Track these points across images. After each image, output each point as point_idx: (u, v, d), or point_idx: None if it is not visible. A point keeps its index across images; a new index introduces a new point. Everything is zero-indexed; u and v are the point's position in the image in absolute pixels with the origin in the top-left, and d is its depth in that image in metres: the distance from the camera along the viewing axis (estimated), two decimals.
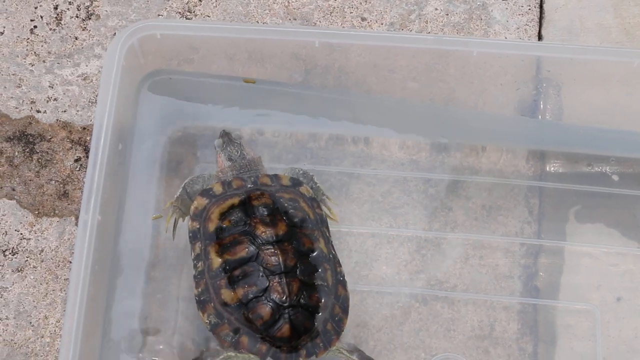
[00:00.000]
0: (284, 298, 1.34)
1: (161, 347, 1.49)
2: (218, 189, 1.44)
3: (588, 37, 1.73)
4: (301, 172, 1.53)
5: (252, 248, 1.36)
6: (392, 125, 1.66)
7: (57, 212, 1.58)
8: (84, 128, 1.63)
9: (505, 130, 1.68)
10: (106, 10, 1.72)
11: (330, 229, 1.46)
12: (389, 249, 1.59)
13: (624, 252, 1.59)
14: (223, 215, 1.40)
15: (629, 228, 1.61)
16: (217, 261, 1.37)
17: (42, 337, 1.50)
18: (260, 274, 1.35)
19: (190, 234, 1.41)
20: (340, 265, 1.43)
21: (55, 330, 1.50)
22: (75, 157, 1.61)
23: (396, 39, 1.56)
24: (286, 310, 1.34)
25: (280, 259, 1.35)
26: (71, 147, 1.62)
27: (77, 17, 1.71)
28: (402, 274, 1.57)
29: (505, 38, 1.72)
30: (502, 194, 1.63)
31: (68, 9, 1.71)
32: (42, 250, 1.55)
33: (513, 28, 1.74)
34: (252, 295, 1.34)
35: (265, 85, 1.64)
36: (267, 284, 1.34)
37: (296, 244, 1.38)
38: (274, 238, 1.37)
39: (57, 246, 1.55)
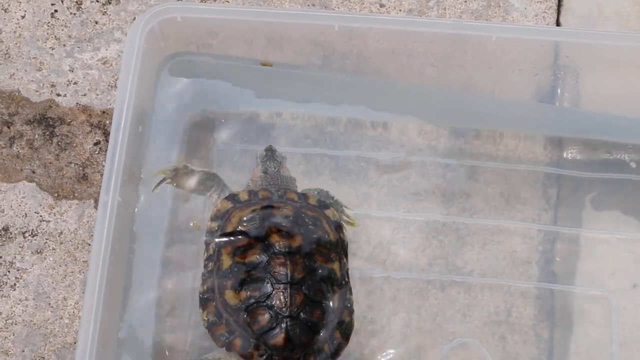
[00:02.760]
0: (284, 308, 1.34)
1: (178, 326, 1.50)
2: (244, 196, 1.45)
3: (606, 25, 1.72)
4: (317, 191, 1.52)
5: (263, 255, 1.37)
6: (411, 110, 1.66)
7: (76, 194, 1.58)
8: (104, 112, 1.64)
9: (523, 116, 1.67)
10: None
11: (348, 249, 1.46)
12: (406, 234, 1.59)
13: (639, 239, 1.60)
14: (243, 220, 1.41)
15: None
16: (227, 262, 1.38)
17: (61, 318, 1.51)
18: (266, 281, 1.35)
19: (207, 234, 1.42)
20: (351, 294, 1.42)
21: (74, 312, 1.51)
22: (95, 141, 1.62)
23: (415, 23, 1.56)
24: (285, 320, 1.33)
25: (289, 270, 1.35)
26: (90, 131, 1.63)
27: (98, 1, 1.71)
28: (419, 258, 1.57)
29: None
30: (520, 180, 1.63)
31: None
32: (61, 233, 1.56)
33: (531, 15, 1.74)
34: (253, 300, 1.35)
35: (284, 69, 1.64)
36: (271, 291, 1.34)
37: (308, 259, 1.38)
38: (287, 249, 1.37)
39: (76, 228, 1.56)
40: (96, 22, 1.70)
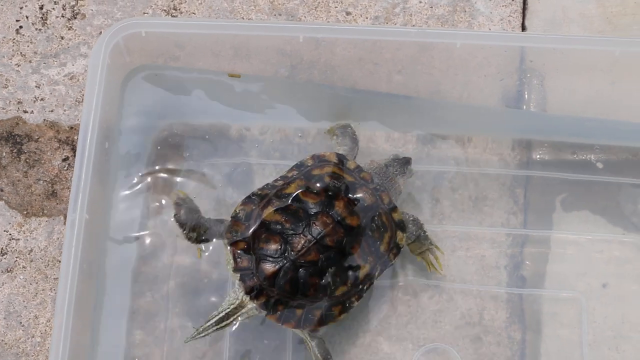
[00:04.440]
0: (294, 252, 1.38)
1: (150, 341, 1.50)
2: (351, 165, 1.50)
3: (571, 27, 1.74)
4: (412, 218, 1.53)
5: (319, 206, 1.41)
6: (378, 118, 1.67)
7: (45, 211, 1.58)
8: (71, 127, 1.63)
9: (491, 121, 1.68)
10: (92, 10, 1.72)
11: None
12: None
13: (609, 239, 1.60)
14: (332, 175, 1.46)
15: (613, 215, 1.62)
16: (291, 189, 1.44)
17: (33, 336, 1.51)
18: (302, 224, 1.39)
19: (298, 163, 1.50)
20: (357, 300, 1.44)
21: (45, 330, 1.51)
22: (63, 157, 1.62)
23: (379, 32, 1.57)
24: (286, 261, 1.37)
25: (325, 231, 1.39)
26: (59, 147, 1.62)
27: (63, 16, 1.71)
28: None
29: (490, 29, 1.73)
30: (488, 184, 1.64)
31: (53, 8, 1.71)
32: (31, 250, 1.56)
33: (497, 19, 1.75)
34: (279, 227, 1.40)
35: (252, 81, 1.65)
36: (298, 233, 1.39)
37: (348, 241, 1.41)
38: (339, 218, 1.41)
39: (46, 246, 1.56)
40: (62, 38, 1.69)
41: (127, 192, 1.56)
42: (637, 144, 1.64)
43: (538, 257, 1.60)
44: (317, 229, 1.40)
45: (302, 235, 1.39)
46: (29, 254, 1.55)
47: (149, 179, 1.59)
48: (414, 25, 1.73)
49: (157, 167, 1.60)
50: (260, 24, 1.64)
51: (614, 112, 1.62)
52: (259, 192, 1.46)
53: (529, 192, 1.64)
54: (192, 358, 1.50)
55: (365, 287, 1.44)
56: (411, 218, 1.53)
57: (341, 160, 1.51)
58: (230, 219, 1.44)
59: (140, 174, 1.58)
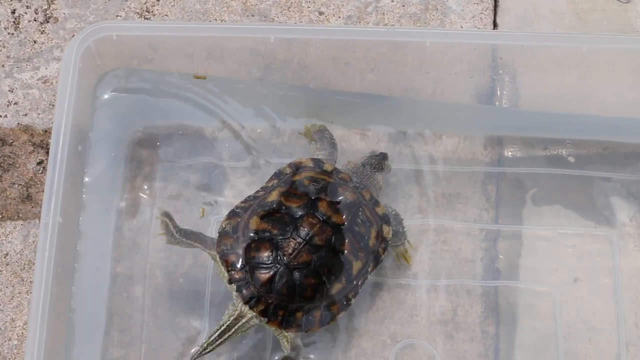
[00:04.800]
0: (286, 256, 1.39)
1: (128, 340, 1.51)
2: (328, 167, 1.53)
3: (542, 24, 1.75)
4: (394, 212, 1.56)
5: (303, 209, 1.43)
6: (352, 117, 1.68)
7: (21, 215, 1.59)
8: (46, 131, 1.64)
9: (463, 118, 1.70)
10: (64, 13, 1.72)
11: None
12: None
13: (580, 232, 1.62)
14: (311, 178, 1.48)
15: (585, 209, 1.64)
16: (273, 197, 1.45)
17: (10, 340, 1.52)
18: (289, 228, 1.41)
19: (277, 172, 1.52)
20: (353, 297, 1.45)
21: (22, 333, 1.52)
22: (38, 160, 1.62)
23: (348, 32, 1.58)
24: (279, 265, 1.39)
25: (313, 232, 1.41)
26: (33, 151, 1.63)
27: (35, 20, 1.71)
28: None
29: (461, 27, 1.75)
30: (461, 181, 1.65)
31: (26, 12, 1.72)
32: (6, 254, 1.56)
33: (469, 17, 1.76)
34: (268, 234, 1.41)
35: (225, 82, 1.66)
36: (287, 237, 1.40)
37: (337, 240, 1.43)
38: (325, 218, 1.43)
39: (21, 249, 1.57)
40: (35, 42, 1.70)
41: (102, 194, 1.56)
42: (607, 137, 1.66)
43: (511, 252, 1.61)
44: (304, 230, 1.41)
45: (291, 239, 1.40)
46: (4, 258, 1.56)
47: (123, 181, 1.59)
48: (386, 24, 1.75)
49: (131, 169, 1.61)
50: (231, 26, 1.65)
51: (584, 106, 1.64)
52: (243, 205, 1.47)
53: (501, 188, 1.66)
54: (169, 359, 1.51)
55: (360, 283, 1.46)
56: (393, 212, 1.55)
57: (318, 164, 1.53)
58: (217, 234, 1.44)
59: (114, 176, 1.59)
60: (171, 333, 1.52)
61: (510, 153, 1.68)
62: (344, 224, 1.45)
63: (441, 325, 1.56)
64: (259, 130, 1.66)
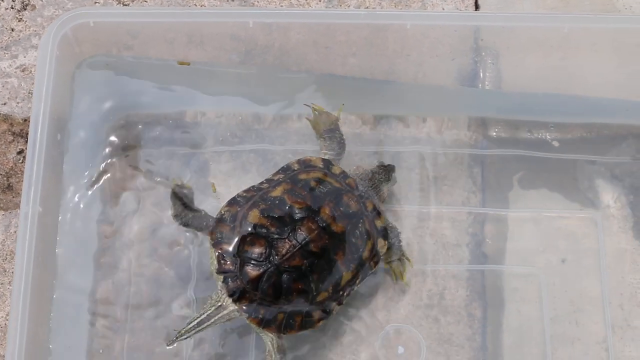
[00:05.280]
0: (278, 256, 1.38)
1: (112, 329, 1.50)
2: (336, 170, 1.50)
3: (524, 4, 1.74)
4: (391, 224, 1.54)
5: (305, 212, 1.41)
6: (334, 101, 1.66)
7: (1, 205, 1.57)
8: (25, 120, 1.62)
9: (446, 100, 1.69)
10: (42, 0, 1.70)
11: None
12: None
13: (566, 215, 1.62)
14: (318, 180, 1.46)
15: (570, 191, 1.63)
16: (277, 193, 1.43)
17: None
18: (287, 229, 1.40)
19: (285, 166, 1.50)
20: (338, 305, 1.44)
21: (4, 324, 1.51)
22: (18, 150, 1.61)
23: (328, 15, 1.57)
24: (270, 265, 1.37)
25: (310, 237, 1.39)
26: (13, 140, 1.61)
27: (12, 8, 1.69)
28: None
29: (443, 9, 1.73)
30: (446, 164, 1.65)
31: (2, 0, 1.70)
32: None
33: None
34: (265, 231, 1.39)
35: (207, 68, 1.64)
36: (283, 237, 1.39)
37: (333, 248, 1.42)
38: (324, 225, 1.41)
39: (3, 239, 1.55)
40: (12, 30, 1.68)
41: (83, 182, 1.55)
42: (590, 119, 1.65)
43: (498, 235, 1.61)
44: (302, 234, 1.39)
45: (287, 240, 1.39)
46: None
47: (105, 169, 1.58)
48: (367, 7, 1.73)
49: (113, 157, 1.59)
50: (210, 11, 1.63)
51: (567, 87, 1.63)
52: (245, 194, 1.45)
53: (486, 171, 1.65)
54: (151, 348, 1.51)
55: (345, 294, 1.45)
56: (390, 225, 1.53)
57: (327, 165, 1.51)
58: (215, 219, 1.43)
59: (96, 164, 1.57)
60: (156, 322, 1.51)
61: (494, 135, 1.67)
62: (342, 234, 1.43)
63: (427, 309, 1.55)
64: (240, 116, 1.65)
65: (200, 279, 1.54)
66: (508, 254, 1.60)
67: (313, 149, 1.63)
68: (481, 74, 1.66)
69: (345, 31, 1.60)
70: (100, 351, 1.49)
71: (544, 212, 1.62)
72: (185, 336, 1.40)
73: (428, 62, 1.63)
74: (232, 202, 1.45)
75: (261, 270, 1.37)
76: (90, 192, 1.56)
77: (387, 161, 1.62)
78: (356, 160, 1.63)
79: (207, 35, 1.61)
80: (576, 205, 1.62)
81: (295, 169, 1.49)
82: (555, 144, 1.66)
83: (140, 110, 1.64)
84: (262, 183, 1.48)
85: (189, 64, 1.61)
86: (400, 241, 1.54)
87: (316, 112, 1.58)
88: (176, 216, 1.50)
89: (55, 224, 1.49)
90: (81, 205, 1.54)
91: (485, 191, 1.63)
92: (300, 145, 1.64)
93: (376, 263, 1.48)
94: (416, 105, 1.67)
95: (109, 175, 1.58)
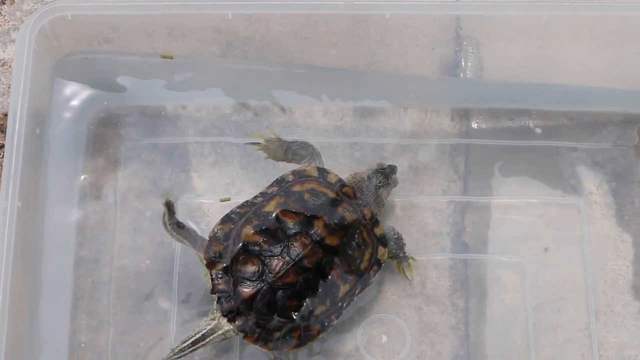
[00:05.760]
0: (272, 274, 1.36)
1: (95, 326, 1.50)
2: (332, 178, 1.47)
3: None
4: (395, 236, 1.52)
5: (298, 226, 1.39)
6: (315, 92, 1.66)
7: None
8: (5, 115, 1.62)
9: (428, 90, 1.69)
10: None
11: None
12: None
13: (548, 202, 1.62)
14: (312, 191, 1.43)
15: (552, 178, 1.63)
16: (270, 208, 1.41)
17: None
18: (281, 246, 1.38)
19: (278, 179, 1.47)
20: (336, 318, 1.43)
21: None
22: None
23: (307, 6, 1.56)
24: (263, 284, 1.36)
25: (303, 253, 1.37)
26: None
27: None
28: None
29: None
30: (428, 153, 1.65)
31: None
32: None
33: None
34: (258, 249, 1.38)
35: (187, 60, 1.64)
36: (276, 255, 1.37)
37: (327, 262, 1.40)
38: (318, 239, 1.39)
39: None
40: None
41: (64, 177, 1.55)
42: (572, 107, 1.66)
43: (480, 223, 1.61)
44: (295, 250, 1.37)
45: (280, 257, 1.37)
46: None
47: (85, 163, 1.58)
48: None
49: (93, 150, 1.59)
50: (191, 3, 1.62)
51: (548, 76, 1.63)
52: (238, 210, 1.43)
53: (469, 160, 1.65)
54: (136, 343, 1.51)
55: (345, 305, 1.43)
56: (395, 235, 1.51)
57: (322, 174, 1.48)
58: (208, 238, 1.42)
59: (76, 158, 1.57)
60: (139, 316, 1.51)
61: (476, 125, 1.67)
62: (337, 247, 1.41)
63: (410, 298, 1.55)
64: (221, 108, 1.64)
65: (183, 272, 1.54)
66: (490, 243, 1.60)
67: (293, 140, 1.63)
68: (463, 64, 1.66)
69: (325, 22, 1.60)
70: (82, 345, 1.49)
71: (526, 199, 1.62)
72: (178, 355, 1.38)
73: (409, 52, 1.63)
74: (226, 220, 1.42)
75: (254, 289, 1.35)
76: (70, 186, 1.55)
77: (368, 154, 1.61)
78: (338, 152, 1.63)
79: (187, 27, 1.60)
80: (558, 193, 1.63)
81: (290, 180, 1.47)
82: (538, 131, 1.66)
83: (121, 103, 1.63)
84: (256, 197, 1.46)
85: (171, 58, 1.60)
86: (404, 252, 1.52)
87: (262, 144, 1.55)
88: (171, 225, 1.43)
89: (35, 219, 1.49)
90: (61, 200, 1.54)
91: (467, 180, 1.64)
92: (281, 136, 1.63)
93: (376, 272, 1.46)
94: (398, 96, 1.67)
95: (89, 169, 1.58)
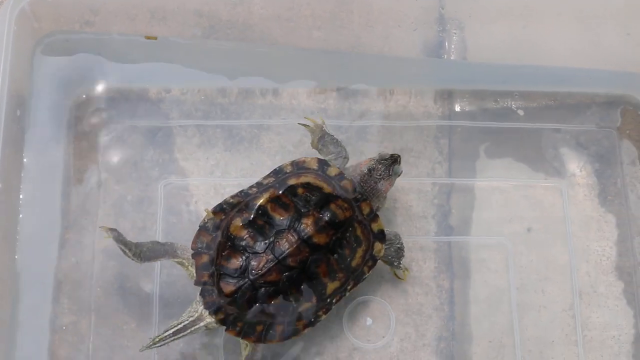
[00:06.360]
0: (254, 271, 1.35)
1: (77, 309, 1.50)
2: (332, 171, 1.44)
3: None
4: (398, 245, 1.49)
5: (287, 221, 1.37)
6: (300, 75, 1.66)
7: None
8: None
9: (413, 72, 1.69)
10: None
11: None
12: None
13: (532, 184, 1.62)
14: (308, 185, 1.40)
15: (535, 160, 1.64)
16: (263, 201, 1.39)
17: None
18: (266, 242, 1.36)
19: (277, 169, 1.45)
20: (325, 313, 1.41)
21: None
22: None
23: None
24: (245, 280, 1.35)
25: (288, 251, 1.36)
26: None
27: None
28: None
29: None
30: (413, 135, 1.64)
31: None
32: None
33: None
34: (244, 244, 1.37)
35: (170, 43, 1.63)
36: (260, 252, 1.36)
37: (315, 260, 1.38)
38: (305, 236, 1.37)
39: None
40: None
41: (46, 159, 1.54)
42: (555, 88, 1.66)
43: (464, 205, 1.61)
44: (279, 248, 1.36)
45: (264, 254, 1.35)
46: None
47: (67, 145, 1.57)
48: None
49: (75, 132, 1.58)
50: None
51: (531, 57, 1.63)
52: (231, 200, 1.41)
53: (453, 141, 1.65)
54: (118, 326, 1.50)
55: (335, 301, 1.41)
56: (398, 244, 1.49)
57: (322, 166, 1.44)
58: (198, 227, 1.40)
59: (57, 141, 1.56)
60: (121, 298, 1.51)
61: (460, 107, 1.67)
62: (326, 245, 1.38)
63: (396, 281, 1.55)
64: (205, 90, 1.64)
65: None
66: (474, 224, 1.60)
67: (277, 123, 1.63)
68: (446, 45, 1.66)
69: (307, 5, 1.59)
70: (64, 327, 1.48)
71: (510, 181, 1.63)
72: (159, 344, 1.37)
73: (393, 34, 1.63)
74: (218, 210, 1.41)
75: (235, 286, 1.35)
76: (52, 169, 1.55)
77: (352, 136, 1.61)
78: None
79: (169, 10, 1.60)
80: (542, 175, 1.63)
81: (288, 171, 1.44)
82: (521, 112, 1.66)
83: (103, 86, 1.62)
84: (251, 187, 1.43)
85: (155, 38, 1.60)
86: (399, 262, 1.51)
87: (310, 126, 1.54)
88: (136, 255, 1.41)
89: (17, 201, 1.48)
90: (43, 182, 1.53)
91: (451, 161, 1.64)
92: (265, 119, 1.63)
93: (370, 267, 1.44)
94: (382, 78, 1.67)
95: (71, 151, 1.57)
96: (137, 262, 1.41)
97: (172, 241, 1.43)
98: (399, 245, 1.49)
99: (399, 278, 1.54)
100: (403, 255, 1.50)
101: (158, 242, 1.43)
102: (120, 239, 1.39)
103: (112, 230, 1.40)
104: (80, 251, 1.53)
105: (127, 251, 1.39)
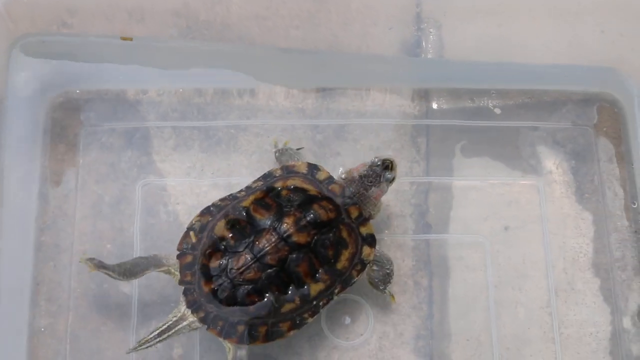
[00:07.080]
0: (234, 270, 1.35)
1: (55, 311, 1.49)
2: (321, 175, 1.45)
3: None
4: (389, 270, 1.49)
5: (267, 221, 1.37)
6: (277, 75, 1.66)
7: None
8: None
9: (390, 71, 1.69)
10: None
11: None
12: None
13: (509, 182, 1.63)
14: (293, 188, 1.41)
15: (512, 159, 1.64)
16: (246, 203, 1.40)
17: None
18: (246, 242, 1.36)
19: (266, 173, 1.46)
20: (311, 316, 1.40)
21: None
22: None
23: None
24: (225, 279, 1.36)
25: (266, 249, 1.36)
26: None
27: None
28: None
29: None
30: (390, 134, 1.65)
31: None
32: None
33: None
34: (225, 244, 1.37)
35: (147, 44, 1.63)
36: (241, 251, 1.36)
37: (295, 259, 1.37)
38: (285, 235, 1.37)
39: None
40: None
41: (22, 161, 1.54)
42: (531, 86, 1.67)
43: (442, 204, 1.62)
44: (258, 246, 1.36)
45: (244, 253, 1.36)
46: None
47: (44, 147, 1.57)
48: None
49: (52, 135, 1.58)
50: None
51: (507, 55, 1.63)
52: (219, 203, 1.43)
53: (430, 140, 1.66)
54: (96, 328, 1.50)
55: (321, 304, 1.41)
56: (387, 270, 1.49)
57: (311, 170, 1.45)
58: (185, 229, 1.41)
59: (34, 143, 1.56)
60: (99, 300, 1.51)
61: (437, 105, 1.67)
62: (307, 244, 1.38)
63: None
64: (181, 91, 1.64)
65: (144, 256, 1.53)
66: (452, 223, 1.61)
67: (255, 124, 1.63)
68: (423, 44, 1.66)
69: (285, 3, 1.59)
70: (43, 329, 1.48)
71: (487, 179, 1.63)
72: (145, 346, 1.38)
73: (370, 33, 1.63)
74: (205, 212, 1.42)
75: (215, 284, 1.36)
76: (29, 171, 1.54)
77: (330, 136, 1.61)
78: (300, 134, 1.63)
79: (147, 11, 1.60)
80: (519, 173, 1.64)
81: (277, 175, 1.45)
82: (497, 111, 1.67)
83: (80, 87, 1.62)
84: (240, 191, 1.45)
85: (131, 39, 1.59)
86: (385, 287, 1.50)
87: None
88: (121, 274, 1.42)
89: None
90: (20, 184, 1.53)
91: (429, 160, 1.64)
92: (242, 120, 1.63)
93: (359, 272, 1.43)
94: (359, 77, 1.67)
95: (48, 153, 1.57)
96: (124, 281, 1.42)
97: (152, 249, 1.44)
98: (388, 271, 1.49)
99: (392, 297, 1.54)
100: (390, 282, 1.50)
101: (141, 257, 1.44)
102: (101, 265, 1.40)
103: (91, 259, 1.40)
104: (58, 254, 1.53)
105: (111, 274, 1.40)
